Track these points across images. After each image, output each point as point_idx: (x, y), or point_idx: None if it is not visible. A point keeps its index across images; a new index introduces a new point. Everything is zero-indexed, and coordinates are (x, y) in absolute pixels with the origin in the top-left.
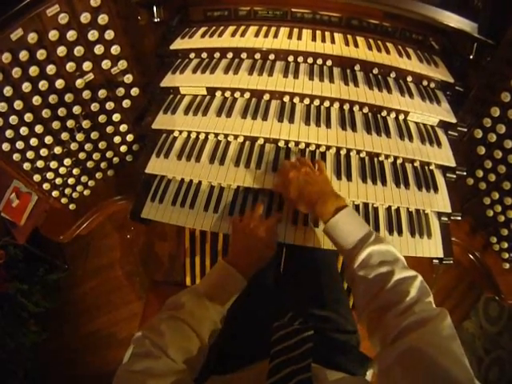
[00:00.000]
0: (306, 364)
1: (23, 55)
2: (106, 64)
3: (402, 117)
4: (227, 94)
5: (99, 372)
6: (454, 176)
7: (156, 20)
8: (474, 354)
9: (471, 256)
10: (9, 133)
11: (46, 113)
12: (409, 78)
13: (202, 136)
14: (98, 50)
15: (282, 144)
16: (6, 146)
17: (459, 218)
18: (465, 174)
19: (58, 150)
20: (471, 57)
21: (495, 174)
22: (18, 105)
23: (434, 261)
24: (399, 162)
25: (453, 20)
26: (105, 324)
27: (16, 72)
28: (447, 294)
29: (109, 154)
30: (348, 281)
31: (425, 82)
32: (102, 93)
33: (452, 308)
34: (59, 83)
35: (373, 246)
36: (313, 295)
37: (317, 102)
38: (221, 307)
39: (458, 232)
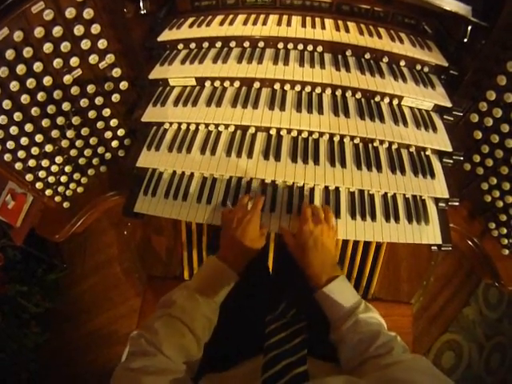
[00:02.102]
0: (300, 356)
1: (9, 54)
2: (93, 59)
3: (395, 102)
4: (217, 83)
5: (101, 370)
6: (451, 161)
7: (143, 12)
8: (474, 340)
9: (470, 242)
10: None
11: (35, 111)
12: (402, 63)
13: (192, 127)
14: (85, 44)
15: (273, 132)
16: None
17: (457, 204)
18: (461, 158)
19: (48, 148)
20: (465, 40)
21: (492, 158)
22: (6, 104)
23: (433, 247)
24: (394, 147)
25: (447, 3)
26: (105, 322)
27: (3, 71)
28: (446, 281)
29: (100, 150)
30: (334, 341)
31: (418, 67)
32: (90, 88)
33: (451, 295)
34: (47, 80)
35: (361, 315)
36: (307, 285)
37: (308, 89)
38: (213, 302)
39: (455, 218)
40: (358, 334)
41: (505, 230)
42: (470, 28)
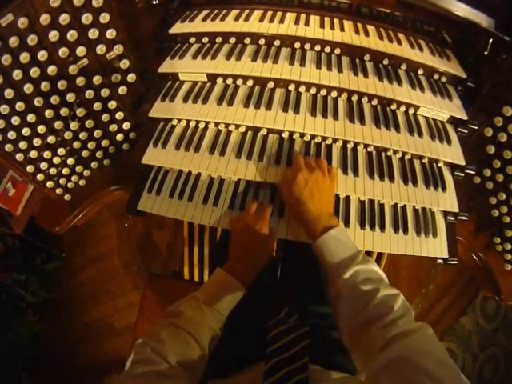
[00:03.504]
0: (302, 363)
1: (13, 41)
2: (100, 49)
3: (411, 111)
4: (229, 81)
5: (98, 361)
6: (463, 174)
7: (155, 2)
8: (469, 350)
9: (473, 255)
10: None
11: (38, 101)
12: (420, 71)
13: (201, 125)
14: (93, 34)
15: (286, 135)
16: None
17: (465, 218)
18: (473, 173)
19: (51, 139)
20: (485, 53)
21: (503, 174)
22: (8, 93)
23: (438, 260)
24: (407, 157)
25: (469, 13)
26: (102, 314)
27: (6, 59)
28: (445, 290)
29: (104, 143)
30: (332, 296)
31: (436, 76)
32: (96, 79)
33: (450, 304)
34: (51, 70)
35: (359, 266)
36: (311, 291)
37: (324, 92)
38: (219, 314)
39: (461, 230)
40: (357, 287)
41: (509, 246)
42: (491, 41)
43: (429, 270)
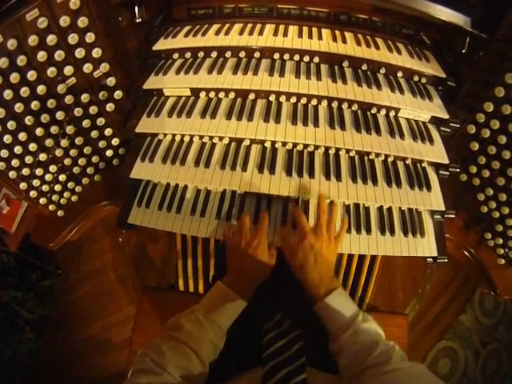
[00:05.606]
0: (299, 364)
1: (3, 62)
2: (87, 68)
3: (392, 113)
4: (211, 94)
5: (96, 377)
6: (447, 173)
7: (138, 20)
8: (470, 347)
9: (465, 252)
10: None
11: (28, 120)
12: (399, 74)
13: (186, 138)
14: (79, 53)
15: (268, 145)
16: None
17: (453, 216)
18: (458, 170)
19: (42, 156)
20: (464, 51)
21: (489, 169)
22: (0, 113)
23: (428, 259)
24: (390, 160)
25: (445, 14)
26: (99, 329)
27: None
28: (442, 289)
29: (95, 159)
30: (333, 351)
31: (416, 78)
32: (84, 97)
33: (448, 302)
34: (41, 89)
35: (359, 325)
36: (305, 298)
37: (304, 101)
38: (219, 328)
39: (451, 228)
40: (358, 343)
41: (501, 240)
42: (468, 39)
43: (424, 269)
